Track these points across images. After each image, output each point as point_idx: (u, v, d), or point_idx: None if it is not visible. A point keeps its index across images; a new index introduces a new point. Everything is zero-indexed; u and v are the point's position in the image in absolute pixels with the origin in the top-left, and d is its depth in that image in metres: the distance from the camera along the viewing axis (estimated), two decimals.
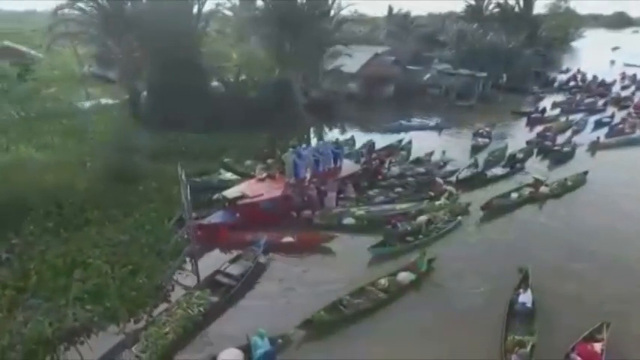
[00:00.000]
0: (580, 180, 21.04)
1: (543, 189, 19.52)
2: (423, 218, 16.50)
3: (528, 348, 10.21)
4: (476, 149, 24.94)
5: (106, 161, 18.70)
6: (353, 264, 14.17)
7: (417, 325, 11.35)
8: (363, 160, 21.22)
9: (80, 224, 14.94)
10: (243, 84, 29.08)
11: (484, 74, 42.44)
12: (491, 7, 55.72)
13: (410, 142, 25.65)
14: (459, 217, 16.86)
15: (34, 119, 22.74)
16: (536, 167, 23.18)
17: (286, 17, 28.69)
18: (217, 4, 31.98)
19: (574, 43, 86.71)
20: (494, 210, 17.70)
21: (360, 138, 27.21)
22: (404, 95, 38.34)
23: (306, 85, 33.06)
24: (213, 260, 14.03)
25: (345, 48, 33.48)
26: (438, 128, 30.83)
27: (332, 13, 34.12)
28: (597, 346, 10.44)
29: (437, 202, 17.94)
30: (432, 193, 18.79)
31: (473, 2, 56.42)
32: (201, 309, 11.01)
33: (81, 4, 26.30)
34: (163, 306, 11.66)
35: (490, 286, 12.84)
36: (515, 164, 22.22)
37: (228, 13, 34.18)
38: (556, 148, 25.19)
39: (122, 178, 18.00)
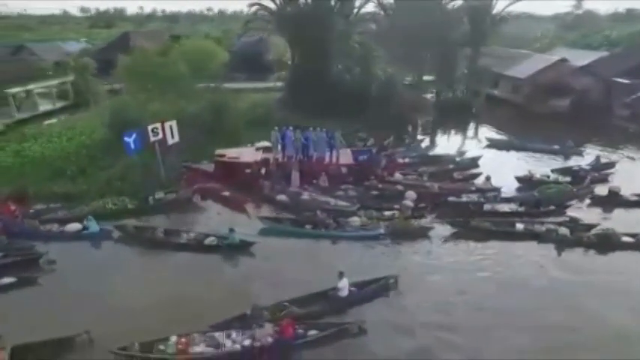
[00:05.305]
0: None
1: (563, 230, 15.26)
2: (356, 219, 16.69)
3: (282, 314, 11.14)
4: (524, 181, 19.52)
5: (197, 120, 26.14)
6: (250, 228, 16.32)
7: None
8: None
9: None
10: (365, 78, 31.35)
11: None
12: None
13: (475, 159, 22.45)
14: (377, 232, 15.84)
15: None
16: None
17: (414, 20, 28.80)
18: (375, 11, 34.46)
19: None
20: (471, 234, 15.65)
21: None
22: (581, 112, 30.47)
23: (440, 86, 31.88)
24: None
25: (491, 50, 30.07)
26: (563, 153, 24.30)
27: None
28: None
29: (385, 213, 17.08)
30: (396, 206, 17.68)
31: None
32: (112, 207, 17.09)
33: (265, 3, 34.13)
34: None
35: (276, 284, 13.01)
36: (542, 204, 16.80)
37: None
38: None
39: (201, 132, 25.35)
